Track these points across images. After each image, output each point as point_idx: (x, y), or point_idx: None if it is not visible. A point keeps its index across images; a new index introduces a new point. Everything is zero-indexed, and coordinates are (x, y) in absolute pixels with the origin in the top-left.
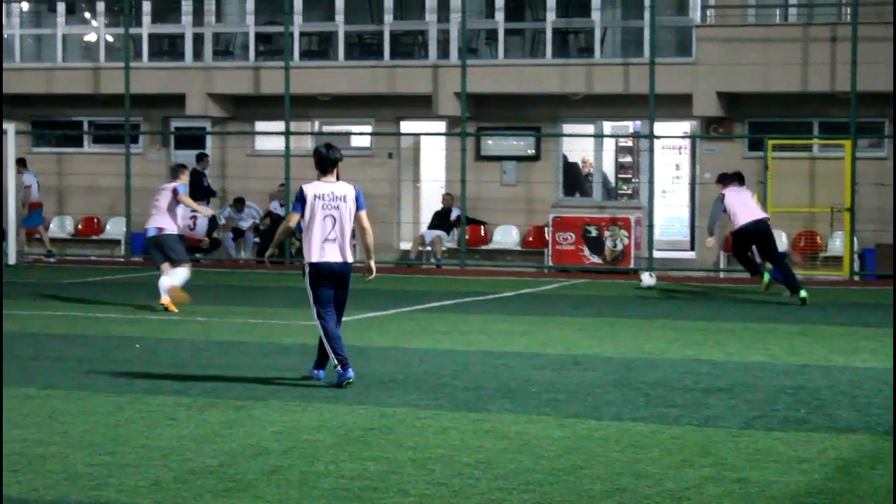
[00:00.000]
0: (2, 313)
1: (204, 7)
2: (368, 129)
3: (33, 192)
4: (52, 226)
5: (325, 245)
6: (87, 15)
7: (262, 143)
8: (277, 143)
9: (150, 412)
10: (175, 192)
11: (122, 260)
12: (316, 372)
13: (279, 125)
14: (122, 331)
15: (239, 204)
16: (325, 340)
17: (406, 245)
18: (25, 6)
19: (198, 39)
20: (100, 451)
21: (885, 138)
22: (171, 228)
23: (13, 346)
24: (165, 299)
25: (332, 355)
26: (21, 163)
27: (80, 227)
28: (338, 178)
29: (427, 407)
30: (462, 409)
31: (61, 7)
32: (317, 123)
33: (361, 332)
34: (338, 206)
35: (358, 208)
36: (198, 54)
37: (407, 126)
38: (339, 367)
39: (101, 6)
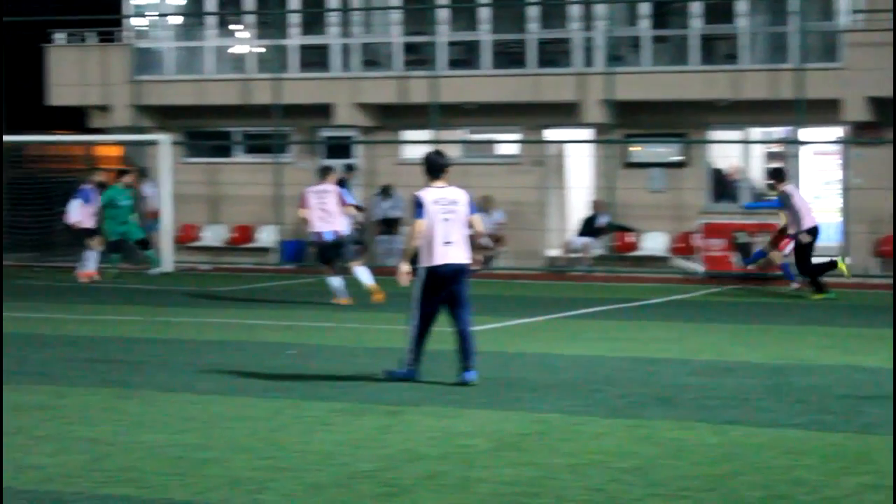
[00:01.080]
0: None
1: (351, 18)
2: (514, 136)
3: (151, 202)
4: (206, 234)
5: (445, 248)
6: (237, 27)
7: (408, 152)
8: (423, 152)
9: (307, 417)
10: (340, 195)
11: (273, 267)
12: (466, 375)
13: (426, 134)
14: (276, 337)
15: (386, 192)
16: (412, 341)
17: (553, 252)
18: (178, 20)
19: (345, 50)
20: (259, 456)
21: None
22: (345, 230)
23: (172, 353)
24: (345, 299)
25: (408, 353)
26: (141, 173)
27: (234, 235)
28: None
29: (580, 413)
30: (615, 415)
31: (212, 20)
32: (463, 132)
33: (512, 338)
34: (453, 210)
35: (470, 211)
36: (345, 65)
37: (552, 134)
38: (406, 364)
39: (250, 19)
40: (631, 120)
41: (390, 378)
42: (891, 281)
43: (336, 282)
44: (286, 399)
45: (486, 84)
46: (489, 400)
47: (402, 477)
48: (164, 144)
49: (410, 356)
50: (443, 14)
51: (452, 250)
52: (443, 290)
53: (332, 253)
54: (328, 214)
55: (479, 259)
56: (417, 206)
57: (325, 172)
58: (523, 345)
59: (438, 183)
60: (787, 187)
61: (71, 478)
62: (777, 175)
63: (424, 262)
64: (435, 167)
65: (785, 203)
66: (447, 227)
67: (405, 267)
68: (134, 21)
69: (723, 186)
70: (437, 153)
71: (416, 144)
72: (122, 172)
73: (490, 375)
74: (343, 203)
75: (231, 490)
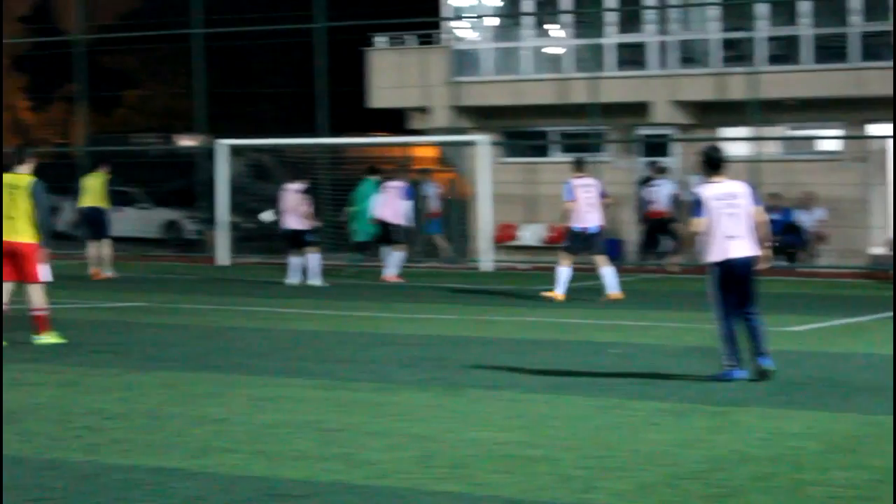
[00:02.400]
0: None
1: (668, 16)
2: (836, 132)
3: (433, 203)
4: (524, 234)
5: (729, 242)
6: (553, 27)
7: (726, 150)
8: (742, 149)
9: (633, 416)
10: (600, 189)
11: (591, 266)
12: (761, 361)
13: (744, 131)
14: (598, 336)
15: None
16: (723, 340)
17: (877, 250)
18: (495, 21)
19: (663, 47)
20: (587, 455)
21: None
22: (601, 224)
23: (495, 351)
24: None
25: (726, 354)
26: (421, 172)
27: (551, 234)
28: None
29: None
30: None
31: (528, 21)
32: (783, 128)
33: (837, 338)
34: (735, 204)
35: (753, 203)
36: (663, 62)
37: (876, 129)
38: (727, 367)
39: (566, 18)
40: None
41: (718, 380)
42: None
43: (608, 275)
44: (611, 398)
45: (806, 79)
46: (817, 400)
47: (731, 478)
48: (482, 145)
49: (726, 357)
50: (762, 9)
51: (736, 244)
52: (732, 284)
53: (583, 245)
54: (592, 208)
55: (766, 255)
56: (696, 204)
57: (580, 165)
58: (849, 345)
59: (717, 178)
60: None
61: (403, 473)
62: None
63: (711, 259)
64: (713, 162)
65: None
66: (730, 222)
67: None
68: (452, 23)
69: None
70: (714, 148)
71: (734, 142)
72: (373, 170)
73: (816, 375)
74: (603, 196)
75: (560, 488)
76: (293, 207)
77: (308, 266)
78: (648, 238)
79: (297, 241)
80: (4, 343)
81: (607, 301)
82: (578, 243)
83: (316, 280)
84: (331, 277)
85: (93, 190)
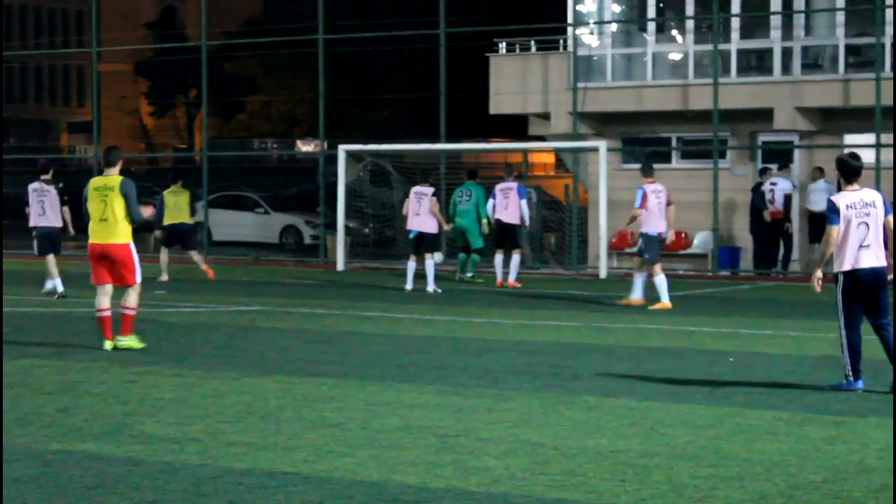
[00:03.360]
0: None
1: (793, 21)
2: None
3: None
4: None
5: (860, 251)
6: (676, 33)
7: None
8: (868, 156)
9: (750, 425)
10: (669, 199)
11: (709, 274)
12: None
13: (869, 138)
14: (716, 344)
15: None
16: (845, 349)
17: None
18: (616, 27)
19: (786, 53)
20: (702, 464)
21: None
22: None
23: (611, 359)
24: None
25: (847, 364)
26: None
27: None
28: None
29: None
30: None
31: (651, 26)
32: None
33: None
34: (869, 213)
35: (885, 213)
36: (786, 68)
37: None
38: (849, 377)
39: (689, 24)
40: None
41: (840, 389)
42: None
43: (662, 282)
44: (728, 407)
45: None
46: None
47: (851, 489)
48: (603, 150)
49: (848, 367)
50: (888, 14)
51: (868, 254)
52: (862, 294)
53: (661, 250)
54: (662, 214)
55: (892, 263)
56: (831, 212)
57: (649, 170)
58: None
59: (853, 186)
60: None
61: (518, 480)
62: None
63: (838, 267)
64: (850, 170)
65: None
66: (863, 231)
67: (818, 273)
68: (574, 29)
69: None
70: (853, 155)
71: (859, 149)
72: (472, 174)
73: None
74: (668, 203)
75: (675, 497)
76: (423, 211)
77: (427, 271)
78: (767, 243)
79: (424, 244)
80: (143, 344)
81: (661, 309)
82: (658, 248)
83: (432, 286)
84: (448, 283)
85: (175, 206)
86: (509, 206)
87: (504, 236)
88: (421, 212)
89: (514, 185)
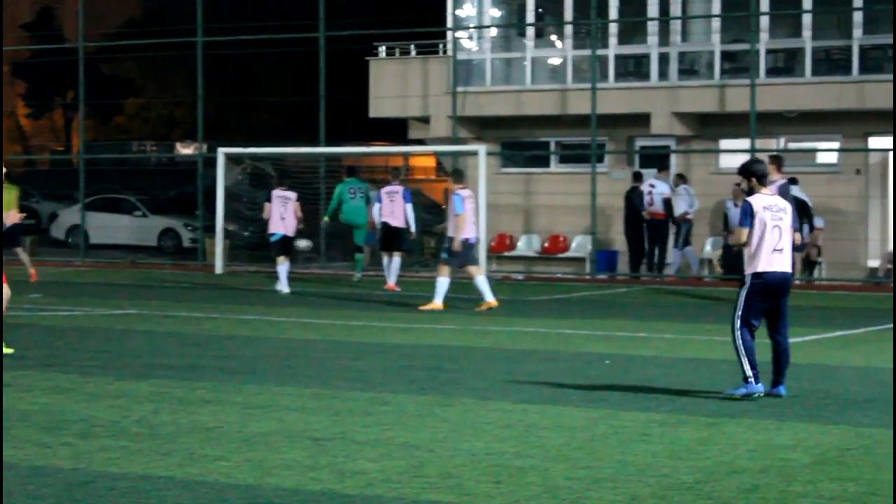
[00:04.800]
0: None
1: (670, 27)
2: (835, 145)
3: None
4: (520, 243)
5: (773, 255)
6: (555, 38)
7: (726, 161)
8: (742, 161)
9: (624, 427)
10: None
11: (587, 277)
12: (780, 389)
13: (744, 143)
14: (591, 347)
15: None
16: (743, 353)
17: (873, 262)
18: (495, 32)
19: (663, 59)
20: (577, 465)
21: None
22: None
23: (487, 361)
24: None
25: (745, 366)
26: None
27: (546, 244)
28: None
29: None
30: None
31: (530, 31)
32: (782, 141)
33: (832, 350)
34: (781, 218)
35: (792, 225)
36: (663, 73)
37: (876, 142)
38: (750, 380)
39: (568, 30)
40: None
41: (733, 397)
42: None
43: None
44: (602, 409)
45: (807, 91)
46: (809, 413)
47: (721, 490)
48: (482, 155)
49: (749, 370)
50: (763, 21)
51: (781, 258)
52: (767, 299)
53: (469, 255)
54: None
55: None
56: (745, 214)
57: (460, 176)
58: (844, 357)
59: (767, 190)
60: None
61: (393, 483)
62: None
63: (752, 269)
64: (763, 173)
65: None
66: (777, 235)
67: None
68: (454, 34)
69: None
70: (758, 160)
71: (733, 154)
72: (351, 171)
73: (810, 388)
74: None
75: (549, 499)
76: (288, 215)
77: (281, 273)
78: (641, 244)
79: (286, 247)
80: (11, 350)
81: (487, 309)
82: (467, 254)
83: (283, 287)
84: (332, 286)
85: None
86: (395, 209)
87: (391, 239)
88: (286, 215)
89: (399, 188)
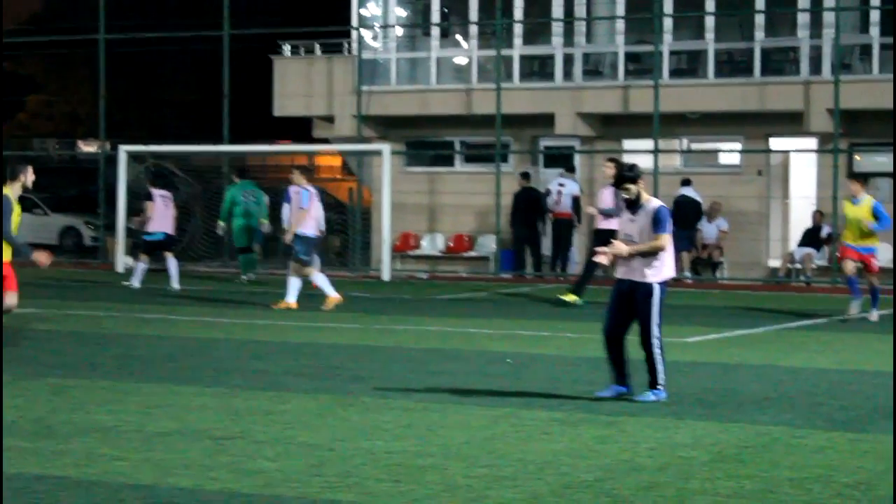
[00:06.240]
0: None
1: (574, 28)
2: (737, 146)
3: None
4: (425, 243)
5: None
6: (460, 38)
7: (629, 162)
8: (645, 162)
9: (525, 426)
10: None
11: (491, 276)
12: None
13: (647, 143)
14: (494, 346)
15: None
16: (662, 359)
17: (774, 262)
18: (401, 31)
19: (568, 59)
20: (477, 464)
21: None
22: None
23: (390, 361)
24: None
25: (662, 373)
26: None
27: (450, 244)
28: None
29: (802, 426)
30: (839, 428)
31: (435, 31)
32: (685, 141)
33: (732, 349)
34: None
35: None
36: (567, 74)
37: (777, 143)
38: (664, 386)
39: (473, 29)
40: (857, 129)
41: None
42: None
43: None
44: (504, 407)
45: (709, 93)
46: (708, 411)
47: (620, 487)
48: (386, 154)
49: (664, 376)
50: (667, 22)
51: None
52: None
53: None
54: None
55: None
56: (666, 219)
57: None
58: (743, 356)
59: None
60: None
61: (292, 482)
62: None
63: (667, 275)
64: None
65: None
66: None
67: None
68: (359, 32)
69: None
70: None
71: (637, 154)
72: (241, 172)
73: (710, 386)
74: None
75: (449, 497)
76: (170, 214)
77: (171, 270)
78: (553, 244)
79: (165, 246)
80: None
81: (286, 308)
82: (308, 248)
83: (176, 284)
84: (227, 284)
85: None
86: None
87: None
88: (168, 214)
89: (312, 189)
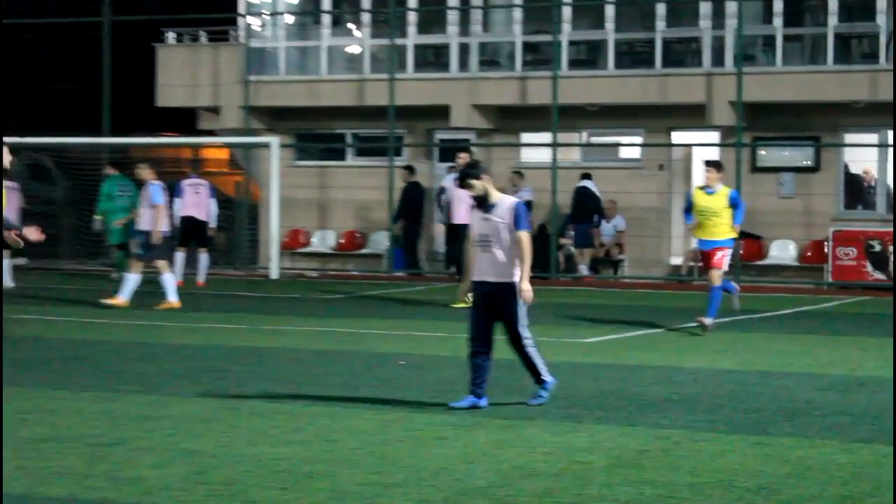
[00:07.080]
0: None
1: (470, 17)
2: (638, 139)
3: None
4: (315, 239)
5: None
6: (352, 27)
7: (527, 155)
8: (543, 155)
9: (418, 431)
10: None
11: (384, 275)
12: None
13: (546, 136)
14: (386, 347)
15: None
16: (538, 354)
17: (676, 260)
18: (290, 19)
19: (464, 50)
20: (367, 470)
21: None
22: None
23: (277, 363)
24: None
25: (544, 366)
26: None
27: (341, 241)
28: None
29: (703, 429)
30: (740, 431)
31: (326, 19)
32: (584, 135)
33: (632, 350)
34: None
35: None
36: (463, 65)
37: (679, 137)
38: (548, 379)
39: (366, 18)
40: (761, 122)
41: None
42: None
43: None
44: (396, 412)
45: (609, 85)
46: (607, 414)
47: (516, 494)
48: (274, 147)
49: (546, 370)
50: (566, 12)
51: None
52: None
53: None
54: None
55: None
56: (525, 215)
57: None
58: (644, 357)
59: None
60: None
61: (173, 491)
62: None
63: (529, 275)
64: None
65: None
66: None
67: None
68: (246, 20)
69: (856, 193)
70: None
71: (535, 147)
72: (114, 165)
73: (609, 389)
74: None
75: None
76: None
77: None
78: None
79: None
80: None
81: (168, 309)
82: (165, 247)
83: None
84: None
85: None
86: (201, 202)
87: (192, 234)
88: (11, 207)
89: (204, 182)
